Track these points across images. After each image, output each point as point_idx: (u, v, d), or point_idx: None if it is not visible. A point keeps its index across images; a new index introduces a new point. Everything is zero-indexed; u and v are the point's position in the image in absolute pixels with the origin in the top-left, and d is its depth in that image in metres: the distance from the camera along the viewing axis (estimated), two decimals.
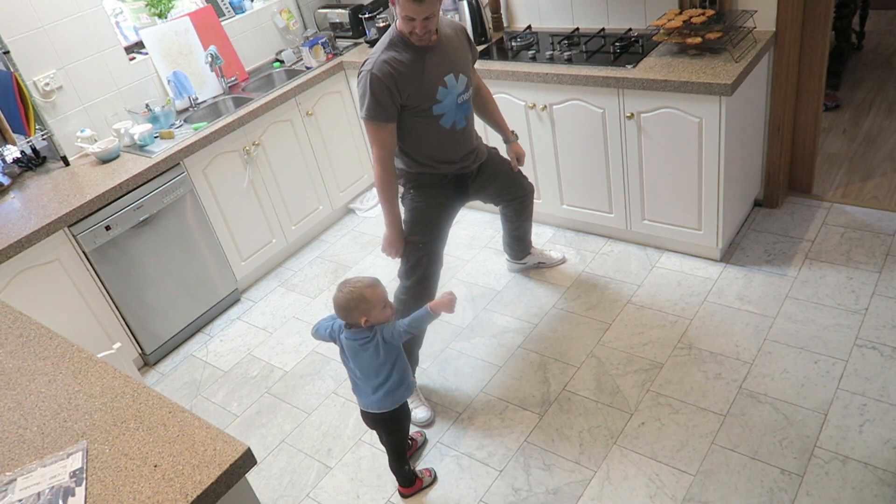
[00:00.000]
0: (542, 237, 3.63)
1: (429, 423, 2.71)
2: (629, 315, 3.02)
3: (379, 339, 2.16)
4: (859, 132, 3.97)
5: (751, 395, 2.54)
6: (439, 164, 2.62)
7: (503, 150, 2.98)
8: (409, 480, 2.45)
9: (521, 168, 3.00)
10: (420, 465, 2.55)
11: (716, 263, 3.20)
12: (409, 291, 2.72)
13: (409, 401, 2.66)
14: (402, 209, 2.71)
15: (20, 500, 1.46)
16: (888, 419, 2.35)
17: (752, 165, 3.29)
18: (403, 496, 2.47)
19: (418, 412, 2.71)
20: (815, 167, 3.46)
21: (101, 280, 3.05)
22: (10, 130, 3.08)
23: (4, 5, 3.06)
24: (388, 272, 3.63)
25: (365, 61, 2.42)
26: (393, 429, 2.36)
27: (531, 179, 3.53)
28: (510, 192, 2.99)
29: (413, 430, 2.63)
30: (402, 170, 2.64)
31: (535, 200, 3.59)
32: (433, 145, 2.57)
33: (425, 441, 2.65)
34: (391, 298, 2.74)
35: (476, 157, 2.73)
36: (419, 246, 2.66)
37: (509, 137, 2.94)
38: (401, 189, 2.68)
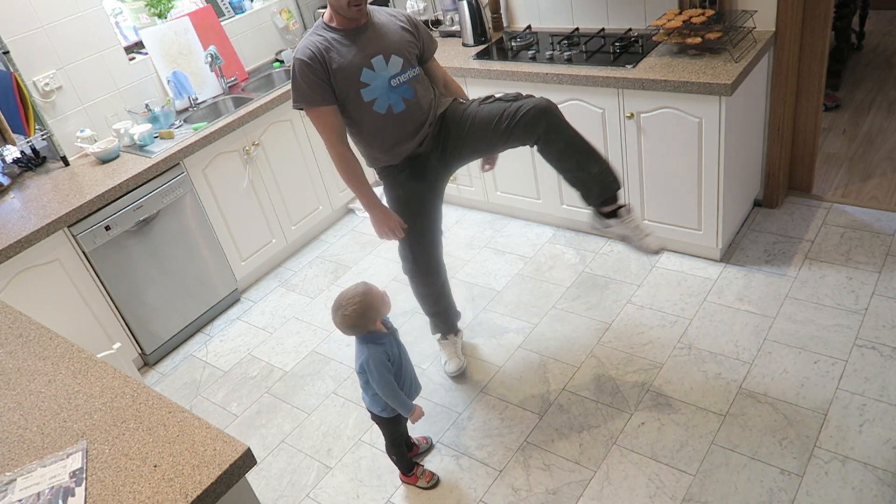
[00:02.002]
0: (542, 237, 3.63)
1: (459, 374, 2.88)
2: (629, 315, 3.02)
3: (366, 351, 2.18)
4: (859, 132, 3.97)
5: (751, 395, 2.54)
6: (390, 152, 2.49)
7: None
8: (406, 468, 2.48)
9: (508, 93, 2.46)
10: (425, 467, 2.55)
11: (716, 263, 3.20)
12: (412, 273, 2.75)
13: (442, 352, 2.96)
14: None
15: (20, 500, 1.46)
16: (888, 419, 2.35)
17: (752, 165, 3.29)
18: (402, 481, 2.51)
19: (449, 365, 2.88)
20: (814, 167, 3.46)
21: (100, 280, 3.05)
22: (10, 130, 3.08)
23: (4, 5, 3.06)
24: (386, 272, 3.64)
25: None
26: (380, 423, 2.40)
27: (532, 178, 3.53)
28: (503, 130, 2.35)
29: (419, 434, 2.64)
30: (365, 162, 2.60)
31: (535, 200, 3.60)
32: (375, 132, 2.46)
33: (430, 447, 2.63)
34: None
35: (427, 137, 2.51)
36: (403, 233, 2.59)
37: None
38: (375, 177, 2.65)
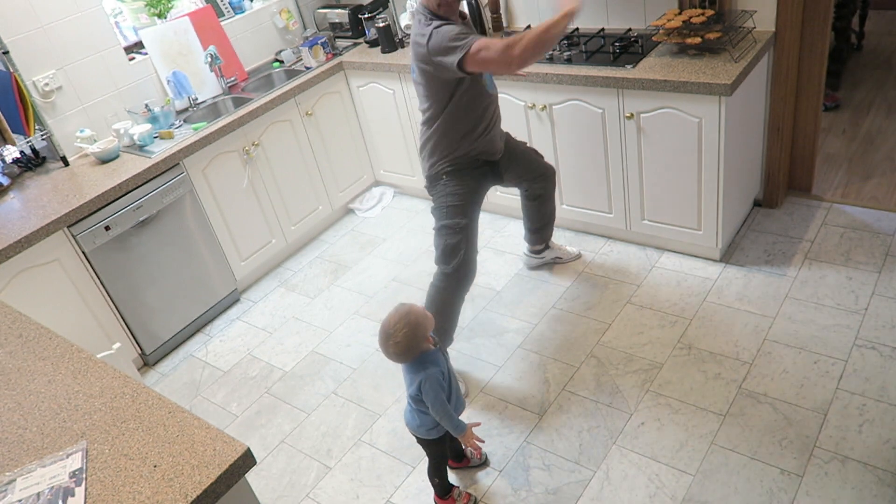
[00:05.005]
0: None
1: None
2: (629, 315, 3.02)
3: (422, 376, 2.11)
4: (859, 132, 3.97)
5: (750, 395, 2.55)
6: (477, 139, 2.67)
7: None
8: (444, 491, 2.38)
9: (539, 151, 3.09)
10: (462, 489, 2.45)
11: (715, 263, 3.20)
12: (449, 278, 2.72)
13: None
14: (434, 196, 2.76)
15: (20, 501, 1.46)
16: (888, 419, 2.35)
17: (752, 165, 3.29)
18: None
19: None
20: (814, 167, 3.46)
21: (100, 280, 3.05)
22: (10, 130, 3.08)
23: (4, 5, 3.07)
24: (386, 272, 3.64)
25: (420, 34, 2.47)
26: (424, 445, 2.32)
27: None
28: (532, 170, 3.02)
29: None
30: (442, 152, 2.69)
31: None
32: (476, 112, 2.63)
33: (484, 463, 2.51)
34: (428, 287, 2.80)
35: (501, 138, 2.83)
36: (457, 230, 2.68)
37: None
38: (435, 171, 2.73)
